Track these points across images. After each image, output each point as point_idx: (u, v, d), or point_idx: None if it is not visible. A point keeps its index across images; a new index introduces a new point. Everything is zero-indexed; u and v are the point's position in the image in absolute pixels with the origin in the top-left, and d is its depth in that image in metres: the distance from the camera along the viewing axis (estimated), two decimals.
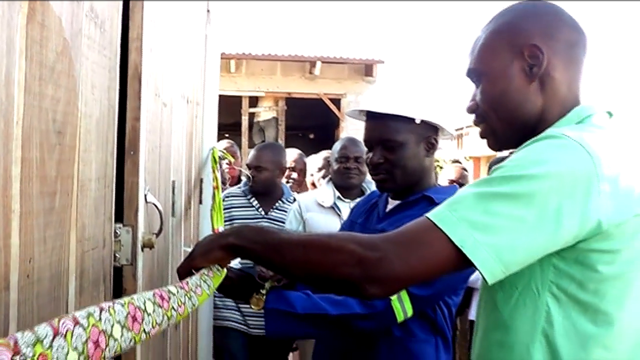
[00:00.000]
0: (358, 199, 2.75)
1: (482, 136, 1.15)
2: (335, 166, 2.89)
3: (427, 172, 1.70)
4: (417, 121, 1.62)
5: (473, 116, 1.15)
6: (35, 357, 0.54)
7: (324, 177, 3.47)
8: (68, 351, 0.59)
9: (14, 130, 0.72)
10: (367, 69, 11.22)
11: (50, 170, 0.84)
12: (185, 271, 1.09)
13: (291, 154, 3.80)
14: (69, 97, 0.89)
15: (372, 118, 1.67)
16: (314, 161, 4.01)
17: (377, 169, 1.65)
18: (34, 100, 0.78)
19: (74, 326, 0.62)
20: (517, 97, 1.06)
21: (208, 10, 2.43)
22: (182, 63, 1.87)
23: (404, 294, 1.47)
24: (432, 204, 1.60)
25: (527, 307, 0.98)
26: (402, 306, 1.48)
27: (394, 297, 1.46)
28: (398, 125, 1.61)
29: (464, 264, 0.90)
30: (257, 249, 1.04)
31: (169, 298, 0.88)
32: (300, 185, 3.81)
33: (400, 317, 1.48)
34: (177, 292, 0.93)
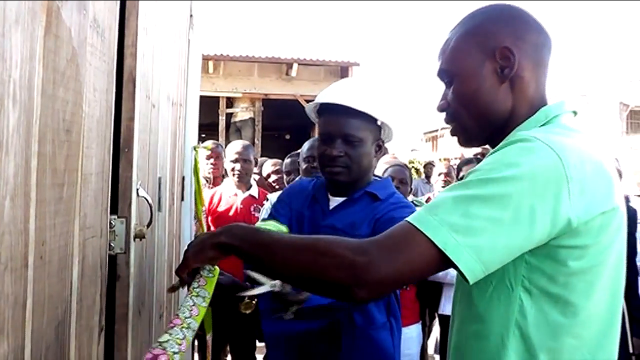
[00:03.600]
0: None
1: (453, 134, 1.20)
2: (303, 166, 3.08)
3: (371, 171, 1.81)
4: (379, 122, 1.71)
5: (444, 114, 1.19)
6: None
7: (290, 180, 3.56)
8: None
9: (33, 128, 0.82)
10: (342, 71, 11.37)
11: (60, 164, 0.94)
12: (183, 272, 1.14)
13: (235, 146, 3.75)
14: (75, 99, 1.00)
15: (336, 112, 1.70)
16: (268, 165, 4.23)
17: (335, 161, 1.70)
18: (48, 102, 0.88)
19: None
20: (488, 97, 1.11)
21: (191, 15, 2.53)
22: (168, 66, 1.97)
23: None
24: (376, 200, 1.73)
25: (501, 301, 1.03)
26: None
27: None
28: (362, 123, 1.69)
29: (446, 265, 0.94)
30: (247, 248, 1.06)
31: (165, 349, 0.95)
32: (247, 174, 3.70)
33: None
34: (172, 334, 0.99)
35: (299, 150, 3.77)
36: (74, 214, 1.03)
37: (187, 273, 1.16)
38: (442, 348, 3.89)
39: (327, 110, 1.75)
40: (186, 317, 1.04)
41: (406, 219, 0.99)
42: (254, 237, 1.08)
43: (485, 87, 1.10)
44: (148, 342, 1.71)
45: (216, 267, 1.19)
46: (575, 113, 1.14)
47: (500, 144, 1.03)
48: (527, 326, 1.01)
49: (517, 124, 1.11)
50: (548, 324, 1.00)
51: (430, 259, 0.94)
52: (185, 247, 1.19)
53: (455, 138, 1.21)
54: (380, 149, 1.79)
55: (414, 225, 0.96)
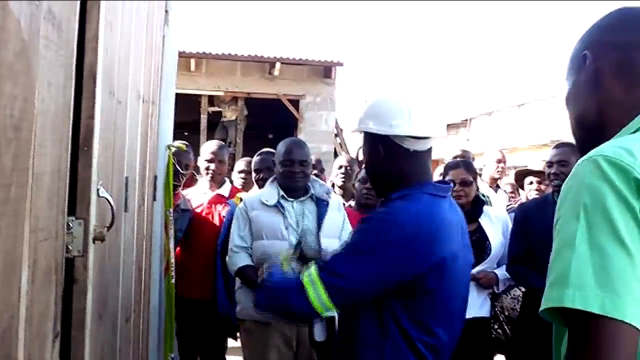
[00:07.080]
0: (303, 197, 2.85)
1: None
2: (280, 169, 2.87)
3: (394, 175, 1.67)
4: (358, 133, 1.73)
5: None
6: None
7: (262, 179, 3.42)
8: None
9: None
10: (326, 71, 11.32)
11: (6, 163, 0.89)
12: None
13: (211, 146, 3.82)
14: (26, 94, 0.94)
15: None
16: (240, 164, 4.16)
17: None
18: None
19: None
20: (575, 105, 1.08)
21: (166, 11, 2.48)
22: (139, 63, 1.91)
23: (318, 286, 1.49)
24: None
25: None
26: (320, 302, 1.49)
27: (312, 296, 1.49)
28: (363, 139, 1.74)
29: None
30: None
31: None
32: (220, 174, 3.74)
33: (321, 311, 1.50)
34: None
35: (269, 149, 3.68)
36: (23, 216, 0.98)
37: None
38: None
39: None
40: None
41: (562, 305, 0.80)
42: None
43: (572, 94, 1.09)
44: (111, 347, 1.66)
45: None
46: None
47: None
48: None
49: (612, 135, 0.98)
50: None
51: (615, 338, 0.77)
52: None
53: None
54: (391, 149, 1.65)
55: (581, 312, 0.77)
